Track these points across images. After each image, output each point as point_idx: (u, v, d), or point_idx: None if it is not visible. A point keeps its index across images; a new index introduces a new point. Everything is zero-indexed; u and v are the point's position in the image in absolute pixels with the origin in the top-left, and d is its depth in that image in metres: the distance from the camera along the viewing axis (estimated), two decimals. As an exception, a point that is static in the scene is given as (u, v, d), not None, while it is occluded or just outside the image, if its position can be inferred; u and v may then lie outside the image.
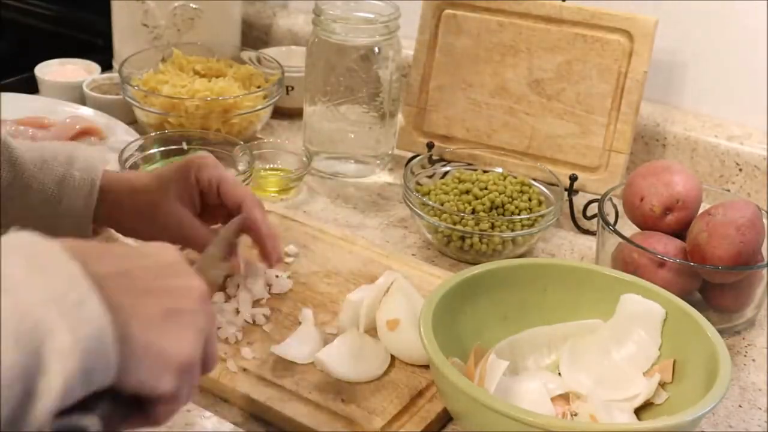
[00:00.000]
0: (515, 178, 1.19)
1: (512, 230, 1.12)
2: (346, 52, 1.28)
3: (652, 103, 1.34)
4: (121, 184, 0.97)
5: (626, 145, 1.21)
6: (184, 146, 1.24)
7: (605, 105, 1.22)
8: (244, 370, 0.90)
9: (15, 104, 1.36)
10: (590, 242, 1.20)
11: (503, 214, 1.14)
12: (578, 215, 1.23)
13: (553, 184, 1.19)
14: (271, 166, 1.31)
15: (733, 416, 0.93)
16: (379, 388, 0.89)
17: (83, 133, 1.32)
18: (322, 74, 1.30)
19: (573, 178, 1.22)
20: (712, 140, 1.30)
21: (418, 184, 1.20)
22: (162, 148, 1.23)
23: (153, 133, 1.27)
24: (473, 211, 1.14)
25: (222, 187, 0.97)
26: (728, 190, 1.28)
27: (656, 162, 1.13)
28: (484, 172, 1.20)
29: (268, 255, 0.97)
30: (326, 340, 0.95)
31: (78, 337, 0.50)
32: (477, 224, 1.11)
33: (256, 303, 1.00)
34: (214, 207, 0.99)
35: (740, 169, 1.28)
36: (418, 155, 1.26)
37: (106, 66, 1.53)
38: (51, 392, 0.49)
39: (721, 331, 0.87)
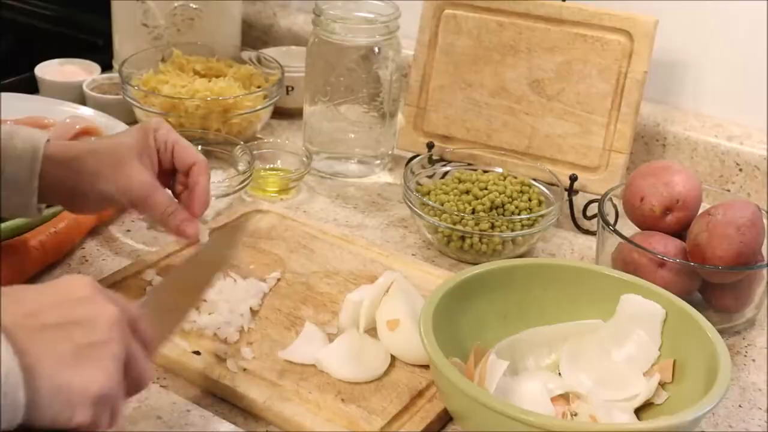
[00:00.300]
0: (515, 178, 1.19)
1: (512, 230, 1.12)
2: (346, 52, 1.28)
3: (652, 103, 1.34)
4: (69, 148, 0.95)
5: (626, 145, 1.21)
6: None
7: (605, 105, 1.22)
8: (244, 370, 0.90)
9: (15, 104, 1.35)
10: (590, 242, 1.20)
11: (503, 214, 1.14)
12: (578, 215, 1.23)
13: (553, 184, 1.19)
14: (271, 166, 1.31)
15: (733, 416, 0.93)
16: (379, 388, 0.89)
17: (83, 133, 1.32)
18: (322, 74, 1.30)
19: (573, 178, 1.22)
20: (712, 140, 1.30)
21: (418, 184, 1.20)
22: (162, 148, 1.23)
23: (153, 133, 1.27)
24: (473, 211, 1.14)
25: (176, 149, 0.98)
26: (728, 190, 1.28)
27: (656, 162, 1.13)
28: (484, 172, 1.20)
29: (192, 211, 0.98)
30: (327, 339, 0.95)
31: None
32: (477, 224, 1.11)
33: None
34: (166, 172, 1.00)
35: (740, 169, 1.28)
36: (418, 155, 1.26)
37: (106, 66, 1.53)
38: None
39: (721, 331, 0.87)
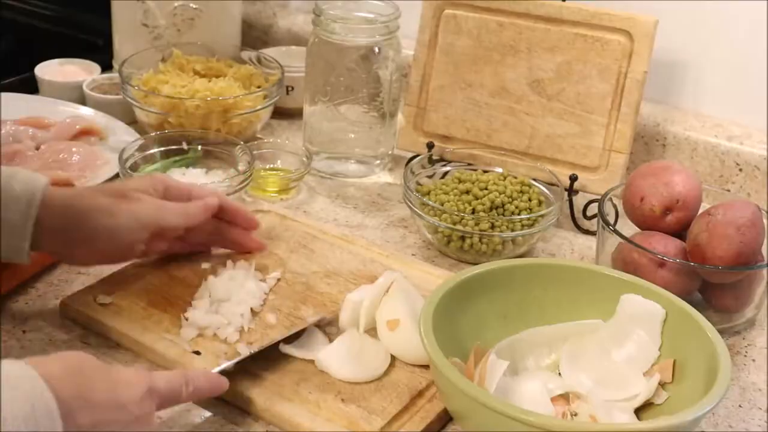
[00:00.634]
0: (515, 178, 1.19)
1: (512, 230, 1.12)
2: (346, 52, 1.28)
3: (652, 103, 1.34)
4: (70, 194, 0.94)
5: (626, 145, 1.21)
6: (185, 146, 1.24)
7: (605, 105, 1.22)
8: (244, 369, 0.90)
9: (15, 104, 1.36)
10: (590, 242, 1.20)
11: (503, 214, 1.14)
12: (578, 215, 1.23)
13: (553, 184, 1.19)
14: (271, 166, 1.31)
15: (733, 416, 0.93)
16: (379, 388, 0.89)
17: (83, 133, 1.32)
18: (322, 74, 1.30)
19: (573, 178, 1.22)
20: (712, 140, 1.30)
21: (418, 184, 1.20)
22: (162, 148, 1.24)
23: (153, 133, 1.27)
24: (473, 211, 1.14)
25: (193, 194, 1.00)
26: (728, 190, 1.28)
27: (656, 162, 1.13)
28: (484, 172, 1.20)
29: (246, 221, 1.04)
30: (327, 340, 0.95)
31: None
32: (477, 224, 1.11)
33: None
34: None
35: (740, 169, 1.28)
36: (418, 155, 1.26)
37: (106, 66, 1.53)
38: None
39: (721, 331, 0.87)
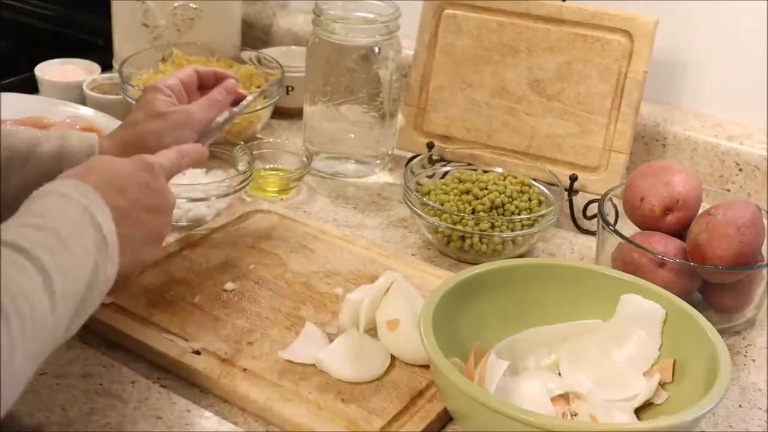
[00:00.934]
0: (515, 178, 1.19)
1: (512, 230, 1.12)
2: (346, 52, 1.28)
3: (652, 103, 1.34)
4: (117, 135, 1.02)
5: (626, 145, 1.21)
6: (184, 146, 1.24)
7: (605, 105, 1.22)
8: (244, 370, 0.90)
9: (15, 104, 1.35)
10: (590, 242, 1.20)
11: (503, 214, 1.14)
12: (578, 215, 1.23)
13: (553, 184, 1.19)
14: (271, 166, 1.31)
15: (733, 416, 0.93)
16: (379, 388, 0.89)
17: (83, 133, 1.32)
18: (322, 74, 1.30)
19: (573, 178, 1.22)
20: (712, 140, 1.30)
21: (418, 184, 1.20)
22: (162, 148, 1.23)
23: (153, 133, 1.27)
24: (473, 211, 1.14)
25: (184, 80, 1.07)
26: (728, 190, 1.28)
27: (656, 162, 1.13)
28: (484, 172, 1.20)
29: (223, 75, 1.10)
30: (327, 339, 0.95)
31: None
32: (477, 224, 1.11)
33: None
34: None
35: (740, 169, 1.28)
36: (418, 155, 1.26)
37: (106, 66, 1.53)
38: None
39: (721, 331, 0.88)
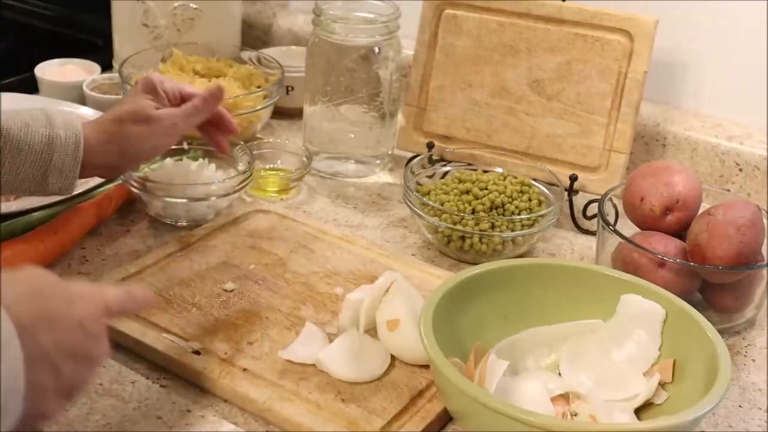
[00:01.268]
0: (515, 178, 1.19)
1: (512, 230, 1.12)
2: (346, 52, 1.28)
3: (652, 103, 1.34)
4: (106, 129, 1.03)
5: (626, 145, 1.21)
6: (185, 146, 1.24)
7: (605, 105, 1.22)
8: (244, 370, 0.90)
9: (15, 104, 1.35)
10: (590, 242, 1.20)
11: (503, 214, 1.14)
12: (578, 215, 1.23)
13: (553, 184, 1.19)
14: (271, 166, 1.31)
15: (733, 416, 0.93)
16: (379, 388, 0.89)
17: (83, 133, 1.32)
18: (322, 74, 1.30)
19: (573, 178, 1.22)
20: (712, 140, 1.30)
21: (418, 184, 1.20)
22: (162, 148, 1.23)
23: (153, 133, 1.27)
24: (473, 211, 1.14)
25: (183, 94, 1.08)
26: (728, 190, 1.28)
27: (656, 162, 1.13)
28: (484, 172, 1.20)
29: (228, 126, 1.13)
30: (327, 339, 0.95)
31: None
32: (477, 224, 1.11)
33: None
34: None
35: (740, 169, 1.28)
36: (418, 155, 1.26)
37: (106, 66, 1.53)
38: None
39: (721, 331, 0.88)
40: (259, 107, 1.34)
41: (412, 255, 1.15)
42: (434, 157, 1.26)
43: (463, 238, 1.12)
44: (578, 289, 0.94)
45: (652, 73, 1.22)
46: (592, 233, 1.21)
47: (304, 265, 1.08)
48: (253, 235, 1.13)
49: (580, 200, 1.23)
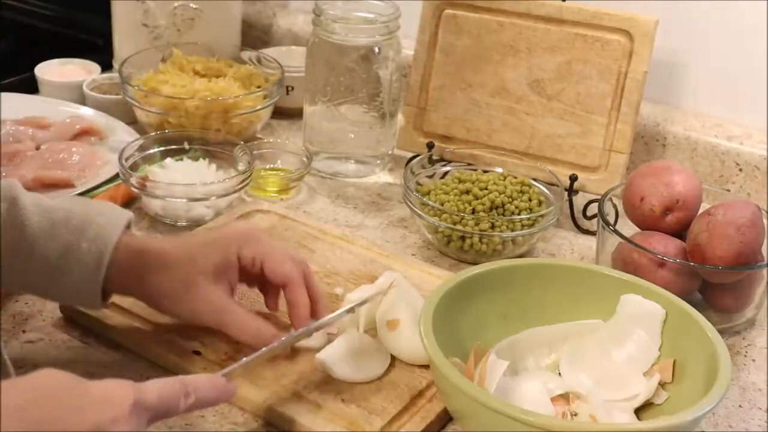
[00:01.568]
0: (515, 178, 1.19)
1: (512, 230, 1.12)
2: (346, 52, 1.28)
3: (652, 103, 1.34)
4: (140, 258, 0.87)
5: (626, 145, 1.21)
6: (186, 146, 1.24)
7: (605, 105, 1.22)
8: (244, 370, 0.90)
9: (15, 104, 1.36)
10: (590, 242, 1.20)
11: (503, 214, 1.14)
12: (578, 215, 1.23)
13: (553, 184, 1.19)
14: (271, 166, 1.31)
15: (733, 416, 0.93)
16: (379, 388, 0.89)
17: (83, 133, 1.32)
18: (322, 74, 1.30)
19: (573, 178, 1.22)
20: (712, 140, 1.30)
21: (418, 184, 1.20)
22: (162, 148, 1.24)
23: (153, 133, 1.27)
24: (473, 211, 1.14)
25: (267, 266, 0.90)
26: (728, 190, 1.28)
27: (656, 162, 1.13)
28: (484, 172, 1.20)
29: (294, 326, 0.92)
30: (327, 339, 0.95)
31: None
32: (477, 224, 1.11)
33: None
34: (254, 276, 0.92)
35: (740, 169, 1.28)
36: (418, 155, 1.26)
37: (106, 66, 1.53)
38: None
39: (721, 331, 0.87)
40: (259, 107, 1.34)
41: (412, 255, 1.15)
42: (434, 157, 1.26)
43: (463, 238, 1.12)
44: (578, 289, 0.94)
45: (652, 73, 1.22)
46: (592, 233, 1.21)
47: (304, 265, 1.07)
48: (253, 235, 1.13)
49: (580, 200, 1.23)
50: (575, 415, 0.85)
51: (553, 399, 0.87)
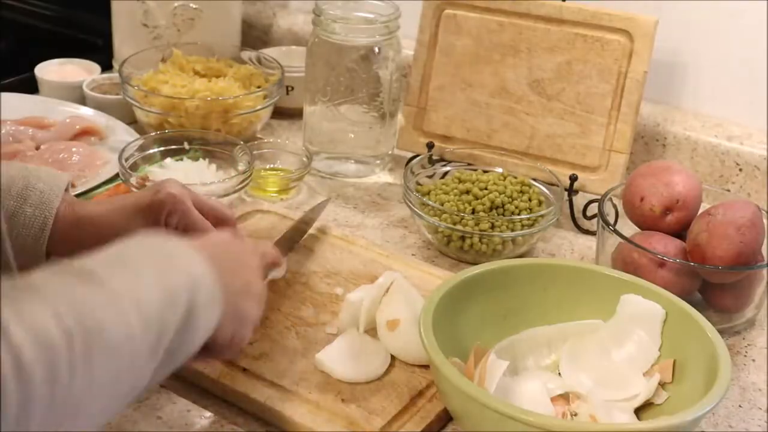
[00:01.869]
0: (515, 178, 1.19)
1: (512, 230, 1.12)
2: (346, 52, 1.28)
3: (652, 103, 1.34)
4: (78, 221, 0.91)
5: (626, 145, 1.21)
6: (185, 146, 1.24)
7: (605, 105, 1.22)
8: (244, 370, 0.90)
9: (15, 104, 1.36)
10: (590, 242, 1.20)
11: (503, 214, 1.14)
12: (578, 215, 1.23)
13: (553, 184, 1.19)
14: (271, 166, 1.31)
15: (733, 416, 0.93)
16: (379, 388, 0.89)
17: (83, 133, 1.33)
18: (322, 74, 1.30)
19: (573, 178, 1.22)
20: (712, 140, 1.30)
21: (418, 184, 1.20)
22: (162, 148, 1.24)
23: (153, 133, 1.27)
24: (473, 211, 1.14)
25: (191, 228, 0.93)
26: (728, 190, 1.28)
27: (656, 162, 1.13)
28: (484, 172, 1.20)
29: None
30: (327, 339, 0.95)
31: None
32: (477, 224, 1.11)
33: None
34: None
35: (740, 169, 1.28)
36: (418, 155, 1.26)
37: (106, 66, 1.53)
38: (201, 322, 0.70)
39: (721, 331, 0.88)
40: (259, 107, 1.34)
41: (412, 255, 1.15)
42: (434, 157, 1.26)
43: (463, 238, 1.12)
44: (578, 289, 0.94)
45: (652, 73, 1.22)
46: (592, 233, 1.21)
47: (304, 265, 1.08)
48: (253, 235, 1.13)
49: (580, 200, 1.23)
50: (575, 415, 0.85)
51: (553, 399, 0.87)
